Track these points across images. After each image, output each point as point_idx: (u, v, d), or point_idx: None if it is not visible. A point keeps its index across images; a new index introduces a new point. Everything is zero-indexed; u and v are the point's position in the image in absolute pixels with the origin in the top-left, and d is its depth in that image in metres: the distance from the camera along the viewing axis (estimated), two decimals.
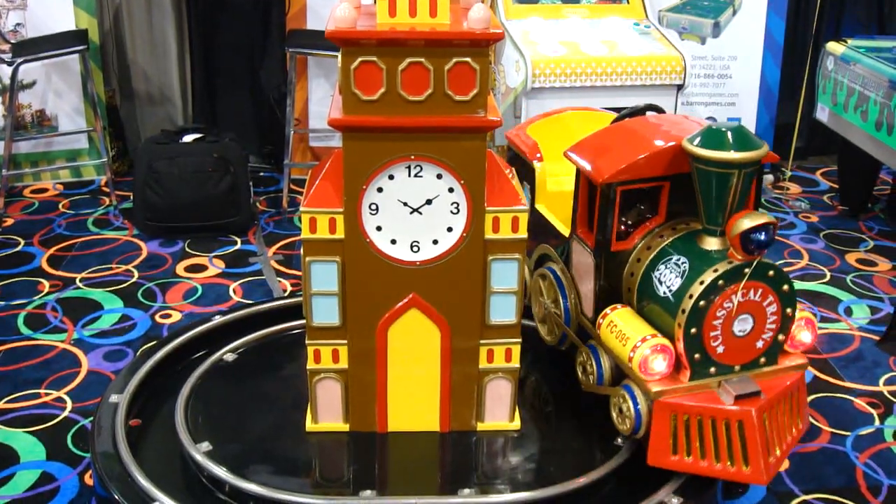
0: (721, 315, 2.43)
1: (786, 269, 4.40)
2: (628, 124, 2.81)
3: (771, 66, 5.54)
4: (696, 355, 2.46)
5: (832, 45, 4.81)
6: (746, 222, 2.37)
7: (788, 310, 2.53)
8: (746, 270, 2.41)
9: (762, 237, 2.37)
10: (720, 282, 2.41)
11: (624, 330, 2.54)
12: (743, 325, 2.48)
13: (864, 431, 3.26)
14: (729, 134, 2.39)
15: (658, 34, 4.77)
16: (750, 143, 2.39)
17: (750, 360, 2.53)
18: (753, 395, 2.47)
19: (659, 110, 3.00)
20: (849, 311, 4.08)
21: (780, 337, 2.55)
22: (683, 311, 2.43)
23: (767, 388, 2.51)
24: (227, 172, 4.71)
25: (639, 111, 2.97)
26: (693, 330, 2.43)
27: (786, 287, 2.50)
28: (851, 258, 4.60)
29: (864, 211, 5.15)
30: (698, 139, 2.42)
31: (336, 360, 2.73)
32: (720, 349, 2.48)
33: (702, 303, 2.41)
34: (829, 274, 4.42)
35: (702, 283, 2.41)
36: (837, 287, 4.29)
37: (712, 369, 2.49)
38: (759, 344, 2.53)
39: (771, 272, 2.47)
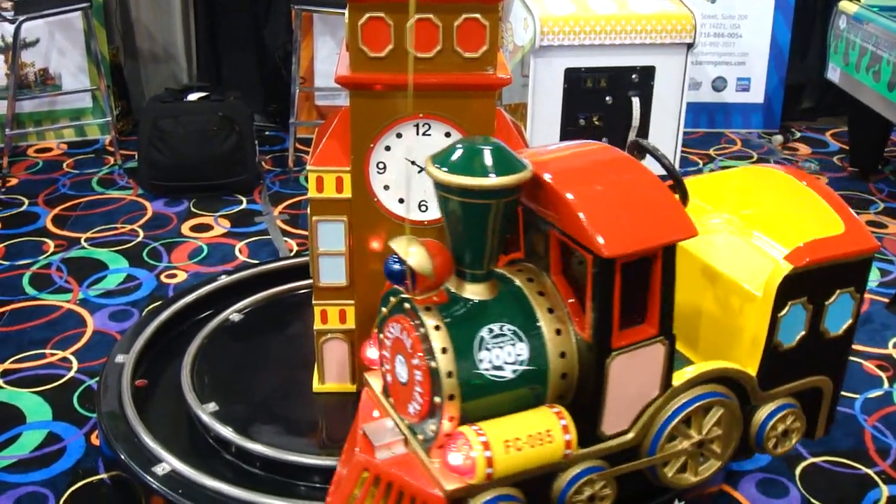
0: (390, 336, 2.06)
1: None
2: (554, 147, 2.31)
3: (781, 26, 5.48)
4: (385, 366, 2.14)
5: (845, 4, 4.75)
6: (392, 242, 1.92)
7: (437, 399, 1.93)
8: (392, 299, 2.01)
9: (392, 266, 1.91)
10: (391, 297, 2.03)
11: None
12: (400, 370, 2.03)
13: (872, 394, 3.24)
14: (458, 152, 1.92)
15: None
16: (475, 169, 1.90)
17: (409, 420, 2.07)
18: (381, 445, 2.07)
19: (665, 173, 2.31)
20: None
21: (432, 427, 1.98)
22: None
23: (400, 466, 2.04)
24: (232, 131, 4.67)
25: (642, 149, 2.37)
26: (379, 335, 2.13)
27: (433, 364, 1.91)
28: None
29: (875, 172, 5.11)
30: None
31: (343, 321, 2.71)
32: (388, 378, 2.12)
33: (384, 309, 2.07)
34: None
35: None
36: None
37: (391, 399, 2.14)
38: (412, 409, 2.02)
39: (423, 331, 1.93)
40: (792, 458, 2.90)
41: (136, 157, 4.84)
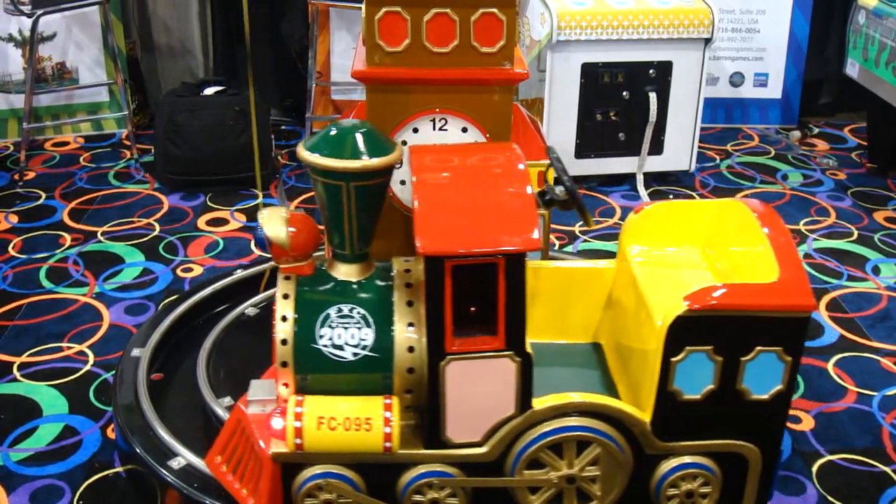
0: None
1: (812, 228, 4.37)
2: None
3: (800, 21, 5.45)
4: None
5: None
6: (260, 212, 2.06)
7: (276, 364, 2.09)
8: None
9: (257, 233, 2.08)
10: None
11: None
12: None
13: (890, 392, 3.22)
14: (328, 133, 2.01)
15: None
16: (331, 151, 1.96)
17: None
18: (253, 400, 2.16)
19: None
20: (876, 270, 4.03)
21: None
22: None
23: (259, 422, 2.13)
24: (248, 125, 4.68)
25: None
26: None
27: (273, 330, 2.07)
28: (880, 216, 4.54)
29: (894, 168, 5.07)
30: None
31: None
32: None
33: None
34: (856, 232, 4.37)
35: None
36: (865, 245, 4.24)
37: None
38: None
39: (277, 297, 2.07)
40: (809, 455, 2.89)
41: (153, 151, 4.85)
